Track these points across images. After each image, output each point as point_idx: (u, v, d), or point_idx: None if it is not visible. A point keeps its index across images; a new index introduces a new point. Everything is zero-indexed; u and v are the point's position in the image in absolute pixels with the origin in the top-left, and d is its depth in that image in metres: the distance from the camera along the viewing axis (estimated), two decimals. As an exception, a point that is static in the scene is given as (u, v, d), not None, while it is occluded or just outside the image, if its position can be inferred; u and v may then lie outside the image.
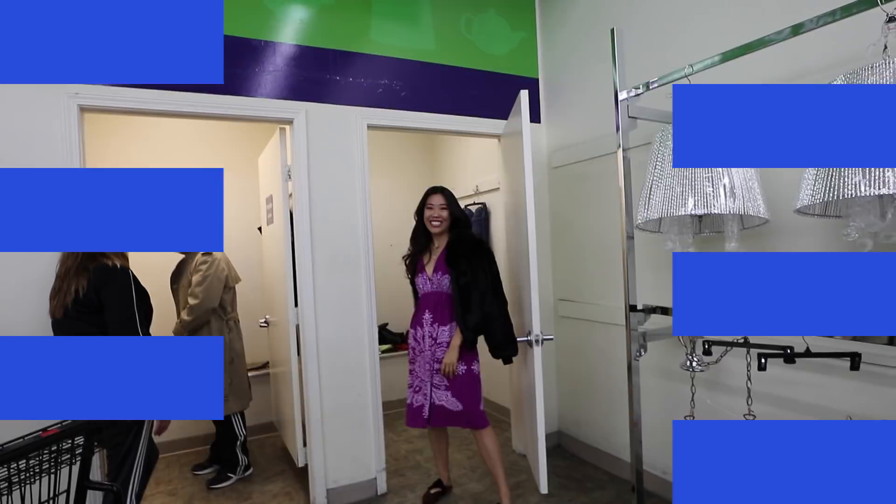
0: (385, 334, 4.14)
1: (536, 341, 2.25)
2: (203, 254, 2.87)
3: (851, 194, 1.28)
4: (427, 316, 2.44)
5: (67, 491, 1.23)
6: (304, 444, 2.68)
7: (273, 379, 3.49)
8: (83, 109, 2.18)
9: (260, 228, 3.53)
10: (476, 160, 3.99)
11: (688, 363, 1.99)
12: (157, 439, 3.31)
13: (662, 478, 2.54)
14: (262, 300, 3.66)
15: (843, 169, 1.29)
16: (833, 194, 1.31)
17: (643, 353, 2.15)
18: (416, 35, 2.83)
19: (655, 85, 1.96)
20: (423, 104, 2.84)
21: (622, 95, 2.06)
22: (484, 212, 3.78)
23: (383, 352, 3.98)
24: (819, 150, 1.17)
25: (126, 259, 1.99)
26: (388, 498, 2.66)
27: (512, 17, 3.14)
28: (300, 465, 2.68)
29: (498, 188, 3.56)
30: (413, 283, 2.57)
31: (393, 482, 2.82)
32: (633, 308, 2.10)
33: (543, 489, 2.24)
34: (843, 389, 1.81)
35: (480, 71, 3.00)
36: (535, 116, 3.20)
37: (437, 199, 2.48)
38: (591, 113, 2.89)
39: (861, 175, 1.26)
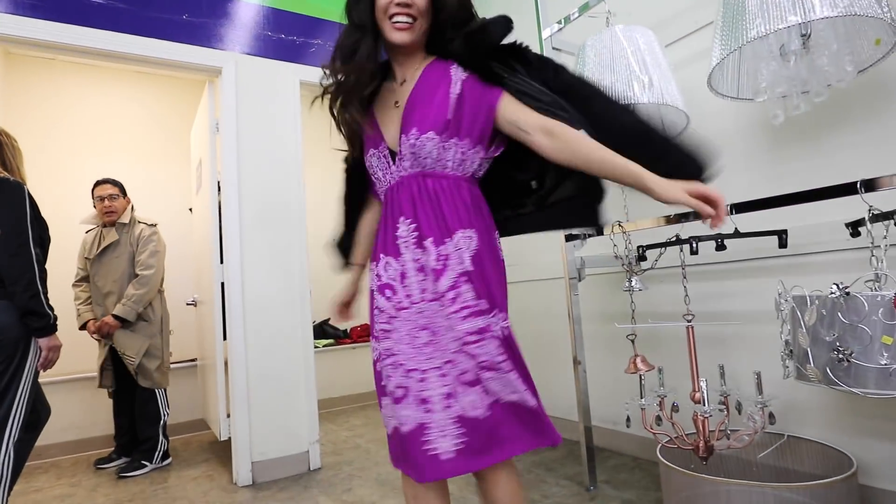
0: (327, 329, 3.91)
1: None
2: (149, 226, 2.82)
3: (753, 36, 1.34)
4: (404, 227, 1.05)
5: None
6: (228, 416, 2.42)
7: (200, 371, 3.21)
8: (-10, 37, 2.06)
9: (191, 210, 3.36)
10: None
11: (627, 282, 1.96)
12: (57, 441, 2.92)
13: (613, 429, 2.42)
14: (190, 281, 3.45)
15: (743, 17, 1.37)
16: (741, 40, 1.38)
17: (582, 277, 2.14)
18: None
19: (576, 16, 2.14)
20: (359, 66, 2.84)
21: (546, 33, 2.26)
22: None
23: (324, 346, 3.76)
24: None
25: (23, 181, 1.82)
26: (321, 472, 2.40)
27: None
28: (223, 438, 2.41)
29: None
30: (351, 168, 1.23)
31: (329, 460, 2.57)
32: (567, 237, 2.13)
33: None
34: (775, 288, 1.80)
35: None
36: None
37: None
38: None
39: (760, 17, 1.34)
